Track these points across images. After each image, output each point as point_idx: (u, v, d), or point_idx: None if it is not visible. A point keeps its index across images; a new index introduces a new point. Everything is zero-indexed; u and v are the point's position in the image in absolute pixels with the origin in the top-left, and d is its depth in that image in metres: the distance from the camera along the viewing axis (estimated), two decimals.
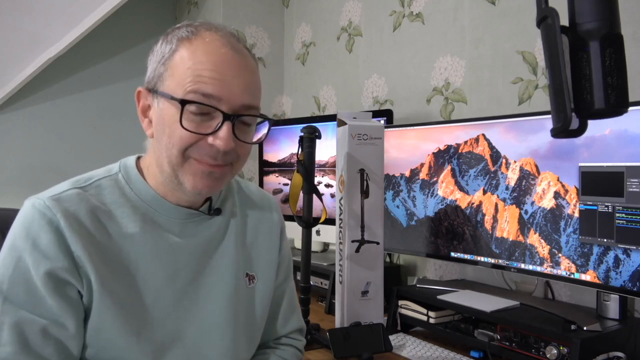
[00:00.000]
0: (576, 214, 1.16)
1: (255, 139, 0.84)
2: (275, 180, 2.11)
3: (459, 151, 1.43)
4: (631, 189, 1.07)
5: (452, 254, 1.44)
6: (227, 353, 0.86)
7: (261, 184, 2.17)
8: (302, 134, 1.38)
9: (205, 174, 0.78)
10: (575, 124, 0.69)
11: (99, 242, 0.77)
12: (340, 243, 1.39)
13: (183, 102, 0.74)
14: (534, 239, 1.25)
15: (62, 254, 0.74)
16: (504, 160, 1.32)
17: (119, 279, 0.78)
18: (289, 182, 2.01)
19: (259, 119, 0.83)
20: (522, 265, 1.27)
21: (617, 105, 0.66)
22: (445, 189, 1.47)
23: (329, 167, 1.87)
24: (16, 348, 0.70)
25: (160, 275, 0.81)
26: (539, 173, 1.24)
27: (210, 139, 0.76)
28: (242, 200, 0.97)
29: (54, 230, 0.74)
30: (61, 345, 0.73)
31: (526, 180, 1.27)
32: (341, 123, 1.39)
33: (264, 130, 0.85)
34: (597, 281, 1.13)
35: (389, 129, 1.61)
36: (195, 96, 0.75)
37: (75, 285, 0.75)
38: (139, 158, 0.88)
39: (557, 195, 1.20)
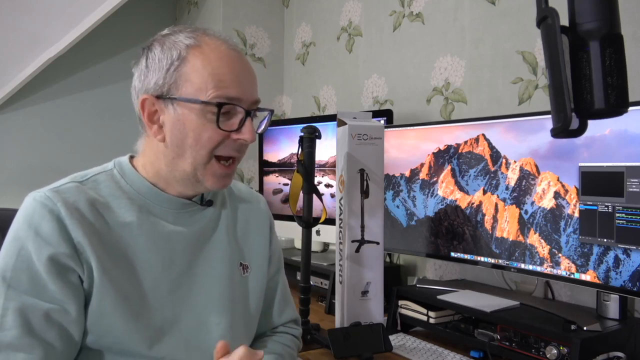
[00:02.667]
0: (576, 214, 1.16)
1: (260, 129, 0.92)
2: (275, 180, 2.11)
3: (459, 151, 1.43)
4: (631, 189, 1.07)
5: (452, 254, 1.44)
6: (224, 340, 0.88)
7: (261, 184, 2.17)
8: (302, 134, 1.38)
9: (224, 174, 0.86)
10: (575, 124, 0.69)
11: (99, 231, 0.81)
12: (340, 243, 1.39)
13: (219, 105, 0.81)
14: (534, 239, 1.25)
15: (64, 241, 0.77)
16: (504, 160, 1.32)
17: (118, 265, 0.81)
18: (289, 182, 2.01)
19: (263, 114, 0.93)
20: (522, 265, 1.27)
21: (617, 105, 0.66)
22: (445, 189, 1.47)
23: (329, 167, 1.87)
24: (20, 332, 0.73)
25: (157, 263, 0.84)
26: (539, 173, 1.24)
27: (234, 135, 0.84)
28: (231, 195, 1.02)
29: (55, 219, 0.77)
30: (63, 329, 0.76)
31: (526, 180, 1.27)
32: (341, 123, 1.39)
33: (265, 121, 0.93)
34: (597, 281, 1.13)
35: (389, 129, 1.61)
36: (223, 99, 0.82)
37: (77, 271, 0.78)
38: (131, 157, 0.92)
39: (557, 195, 1.20)
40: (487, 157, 1.36)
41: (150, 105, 0.84)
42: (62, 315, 0.76)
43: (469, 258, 1.40)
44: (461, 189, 1.42)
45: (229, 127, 0.83)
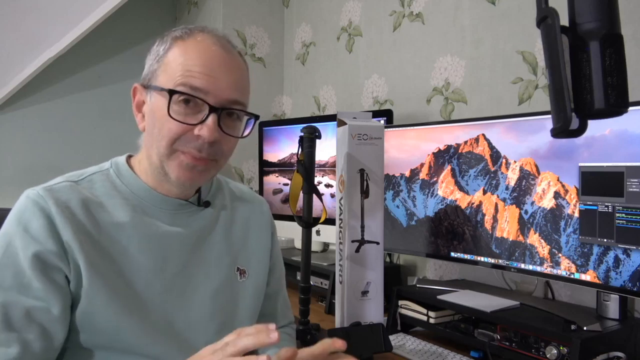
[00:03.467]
0: (576, 214, 1.16)
1: (243, 134, 0.88)
2: (275, 180, 2.11)
3: (459, 151, 1.43)
4: (631, 189, 1.07)
5: (452, 254, 1.44)
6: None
7: (261, 184, 2.17)
8: (302, 134, 1.38)
9: (190, 166, 0.82)
10: (575, 124, 0.69)
11: (89, 231, 0.80)
12: (340, 243, 1.39)
13: (171, 92, 0.79)
14: (534, 239, 1.25)
15: (52, 239, 0.76)
16: (504, 160, 1.32)
17: (109, 265, 0.80)
18: (289, 182, 2.01)
19: (247, 117, 0.87)
20: (522, 265, 1.27)
21: (617, 105, 0.66)
22: (445, 189, 1.47)
23: (329, 167, 1.87)
24: None
25: (150, 263, 0.83)
26: (539, 173, 1.24)
27: (196, 130, 0.80)
28: (232, 196, 1.00)
29: (45, 217, 0.77)
30: (44, 328, 0.75)
31: (526, 180, 1.27)
32: (341, 123, 1.39)
33: (250, 127, 0.88)
34: (597, 281, 1.13)
35: (389, 129, 1.61)
36: (184, 89, 0.79)
37: (63, 270, 0.77)
38: (130, 157, 0.92)
39: (557, 195, 1.20)
40: (487, 157, 1.36)
41: (139, 95, 0.86)
42: (44, 314, 0.74)
43: (469, 258, 1.40)
44: (461, 189, 1.42)
45: (189, 120, 0.80)
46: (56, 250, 0.76)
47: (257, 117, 0.88)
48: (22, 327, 0.73)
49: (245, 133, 0.88)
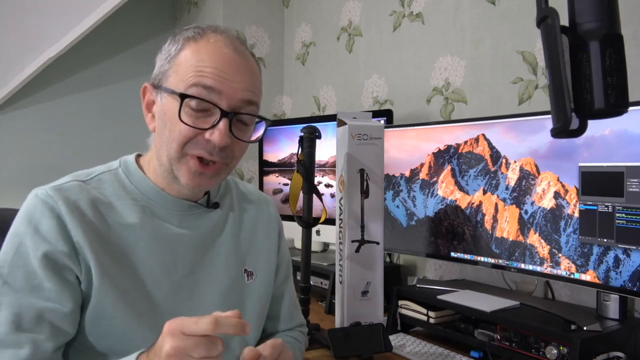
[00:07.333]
0: (576, 214, 1.16)
1: (251, 138, 0.87)
2: (275, 180, 2.11)
3: (459, 151, 1.43)
4: (631, 189, 1.07)
5: (452, 254, 1.44)
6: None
7: (261, 184, 2.17)
8: (302, 134, 1.38)
9: (199, 173, 0.81)
10: (575, 124, 0.69)
11: (99, 231, 0.80)
12: (340, 243, 1.39)
13: (183, 96, 0.78)
14: (534, 239, 1.25)
15: (62, 239, 0.76)
16: (504, 160, 1.32)
17: (118, 266, 0.80)
18: (289, 182, 2.01)
19: (257, 120, 0.86)
20: (522, 265, 1.27)
21: (617, 105, 0.66)
22: (445, 189, 1.47)
23: (329, 167, 1.87)
24: (9, 328, 0.72)
25: (159, 265, 0.83)
26: (539, 173, 1.24)
27: (207, 134, 0.79)
28: (240, 197, 0.99)
29: (55, 217, 0.77)
30: (55, 329, 0.75)
31: (526, 180, 1.27)
32: (341, 123, 1.39)
33: (260, 130, 0.87)
34: (597, 281, 1.13)
35: (389, 129, 1.61)
36: (196, 89, 0.78)
37: (74, 271, 0.77)
38: (139, 156, 0.91)
39: (557, 195, 1.20)
40: (487, 157, 1.36)
41: (149, 94, 0.85)
42: (56, 314, 0.75)
43: (469, 258, 1.40)
44: (461, 189, 1.42)
45: (200, 124, 0.79)
46: (67, 251, 0.76)
47: (267, 121, 0.86)
48: (33, 328, 0.73)
49: (254, 137, 0.86)
